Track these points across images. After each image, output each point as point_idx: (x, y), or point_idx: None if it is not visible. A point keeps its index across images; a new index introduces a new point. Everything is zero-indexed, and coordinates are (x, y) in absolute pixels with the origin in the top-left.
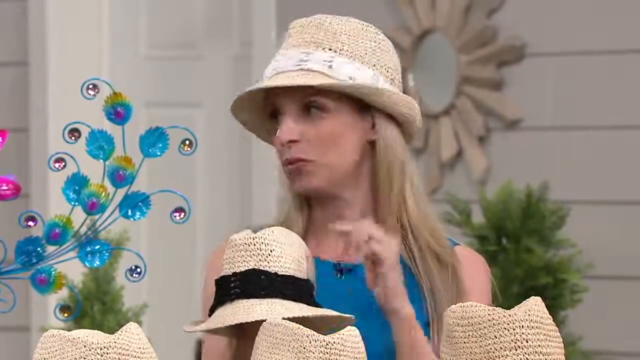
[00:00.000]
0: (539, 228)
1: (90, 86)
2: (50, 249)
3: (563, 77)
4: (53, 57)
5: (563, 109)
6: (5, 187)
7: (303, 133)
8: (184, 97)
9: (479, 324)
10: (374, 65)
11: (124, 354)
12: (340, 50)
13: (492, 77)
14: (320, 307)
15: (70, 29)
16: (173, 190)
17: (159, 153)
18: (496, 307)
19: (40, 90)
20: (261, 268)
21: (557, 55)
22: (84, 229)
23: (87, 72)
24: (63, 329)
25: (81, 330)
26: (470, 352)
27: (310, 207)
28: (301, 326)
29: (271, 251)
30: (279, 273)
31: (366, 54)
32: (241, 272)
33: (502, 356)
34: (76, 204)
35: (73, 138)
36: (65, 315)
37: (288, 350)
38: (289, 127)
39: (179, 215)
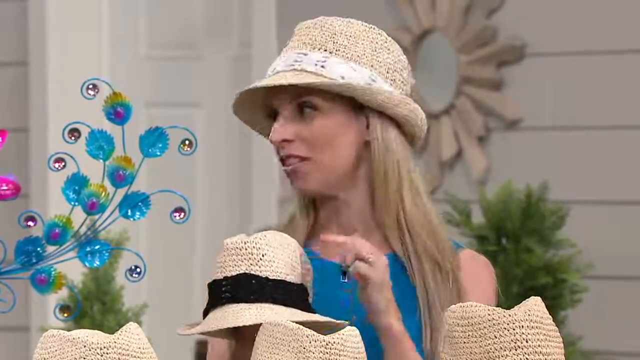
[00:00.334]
0: (538, 228)
1: (90, 86)
2: (50, 249)
3: (563, 77)
4: (53, 57)
5: (563, 109)
6: (5, 187)
7: (297, 133)
8: (183, 97)
9: (479, 324)
10: (372, 65)
11: (124, 354)
12: (336, 51)
13: (492, 77)
14: (314, 311)
15: (70, 29)
16: (173, 190)
17: (158, 153)
18: (496, 307)
19: (40, 90)
20: (252, 272)
21: (557, 55)
22: (83, 229)
23: (87, 72)
24: (63, 329)
25: (81, 330)
26: (470, 352)
27: (315, 208)
28: (301, 326)
29: (263, 255)
30: (270, 277)
31: (364, 54)
32: (232, 277)
33: (502, 356)
34: (76, 204)
35: (73, 138)
36: (65, 315)
37: (288, 350)
38: (282, 126)
39: (179, 215)
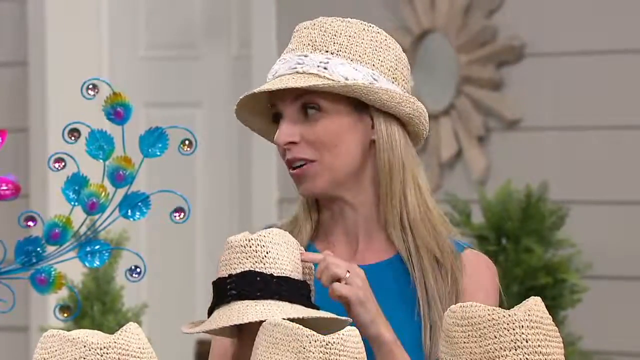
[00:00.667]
0: (538, 228)
1: (90, 86)
2: (50, 249)
3: (562, 77)
4: (52, 57)
5: (562, 109)
6: (5, 187)
7: (302, 134)
8: (183, 97)
9: (479, 324)
10: (374, 65)
11: (123, 354)
12: (337, 51)
13: (491, 77)
14: (318, 308)
15: (69, 29)
16: (173, 190)
17: (158, 153)
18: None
19: (40, 90)
20: (257, 270)
21: (556, 55)
22: (83, 229)
23: (87, 72)
24: (63, 329)
25: (81, 330)
26: (470, 352)
27: (319, 210)
28: (301, 326)
29: (267, 252)
30: (275, 274)
31: (365, 54)
32: (237, 274)
33: (502, 356)
34: (76, 204)
35: (73, 138)
36: (65, 315)
37: (288, 350)
38: (287, 128)
39: (179, 215)
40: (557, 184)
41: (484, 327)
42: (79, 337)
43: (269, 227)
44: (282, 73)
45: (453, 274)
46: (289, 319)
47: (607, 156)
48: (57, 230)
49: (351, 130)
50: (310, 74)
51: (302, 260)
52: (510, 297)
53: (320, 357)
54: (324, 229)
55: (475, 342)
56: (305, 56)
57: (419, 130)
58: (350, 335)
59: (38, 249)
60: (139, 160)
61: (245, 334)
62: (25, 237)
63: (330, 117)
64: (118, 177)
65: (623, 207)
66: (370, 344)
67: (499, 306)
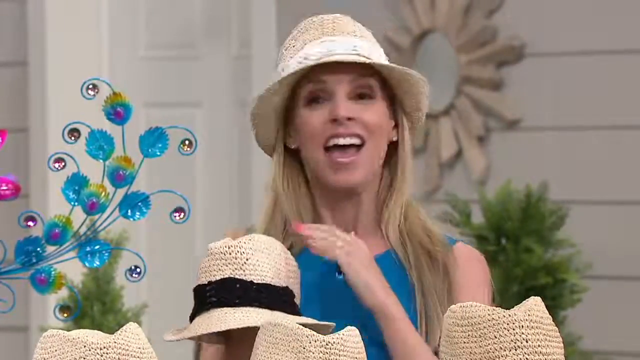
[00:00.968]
0: (538, 228)
1: (90, 86)
2: (50, 249)
3: (562, 77)
4: (52, 57)
5: (562, 109)
6: (5, 187)
7: (358, 114)
8: (183, 97)
9: (479, 324)
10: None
11: (123, 354)
12: (376, 47)
13: (491, 77)
14: (300, 314)
15: (69, 29)
16: (173, 190)
17: (158, 153)
18: (496, 307)
19: (40, 90)
20: (236, 277)
21: (556, 55)
22: (83, 229)
23: (87, 72)
24: (63, 329)
25: (81, 330)
26: (470, 352)
27: (315, 205)
28: (301, 326)
29: (247, 260)
30: (255, 281)
31: (381, 53)
32: (217, 281)
33: (502, 356)
34: (76, 204)
35: (73, 138)
36: (65, 315)
37: (288, 350)
38: (346, 104)
39: (179, 216)
40: (557, 184)
41: (484, 327)
42: (79, 337)
43: (249, 228)
44: (342, 52)
45: (445, 267)
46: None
47: (607, 156)
48: (57, 230)
49: (387, 124)
50: (368, 58)
51: (298, 233)
52: (510, 297)
53: (320, 357)
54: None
55: (475, 342)
56: (357, 42)
57: (412, 133)
58: (350, 335)
59: (38, 249)
60: (139, 160)
61: (233, 340)
62: (25, 237)
63: (380, 105)
64: (118, 177)
65: (623, 207)
66: (375, 316)
67: (493, 300)
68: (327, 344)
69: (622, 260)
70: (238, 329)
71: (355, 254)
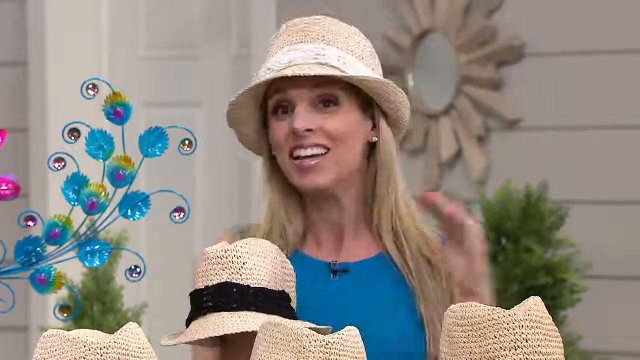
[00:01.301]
0: (538, 228)
1: (90, 86)
2: (50, 249)
3: (563, 77)
4: (52, 57)
5: (562, 109)
6: (5, 187)
7: (319, 125)
8: (183, 97)
9: (479, 324)
10: (373, 69)
11: (124, 354)
12: (350, 50)
13: (491, 77)
14: (296, 318)
15: (69, 29)
16: (173, 190)
17: (158, 153)
18: (496, 307)
19: (40, 90)
20: (233, 281)
21: (556, 55)
22: (83, 229)
23: (87, 72)
24: (63, 329)
25: (81, 330)
26: (470, 352)
27: (305, 208)
28: (301, 326)
29: (244, 264)
30: (252, 286)
31: (366, 56)
32: (214, 286)
33: (502, 356)
34: (76, 204)
35: (73, 138)
36: (65, 315)
37: (288, 350)
38: (306, 115)
39: (179, 215)
40: (557, 184)
41: (484, 327)
42: (79, 337)
43: (241, 227)
44: (301, 62)
45: (447, 272)
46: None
47: (607, 156)
48: (57, 230)
49: (359, 129)
50: (332, 66)
51: (450, 218)
52: (510, 297)
53: (320, 357)
54: (314, 227)
55: (475, 342)
56: (323, 49)
57: (399, 135)
58: (350, 335)
59: (38, 249)
60: (139, 160)
61: (229, 344)
62: (25, 237)
63: (346, 112)
64: (118, 177)
65: (623, 207)
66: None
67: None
68: (327, 344)
69: (622, 260)
70: (235, 333)
71: None
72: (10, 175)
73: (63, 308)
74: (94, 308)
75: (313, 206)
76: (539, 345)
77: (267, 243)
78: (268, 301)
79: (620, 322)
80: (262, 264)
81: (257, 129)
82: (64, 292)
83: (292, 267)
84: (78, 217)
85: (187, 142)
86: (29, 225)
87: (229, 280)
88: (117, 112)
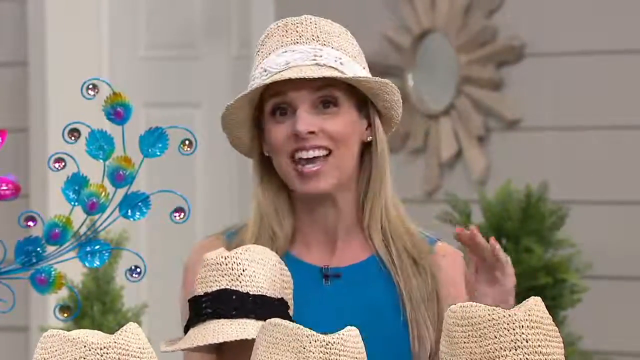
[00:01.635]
0: (538, 228)
1: (90, 86)
2: (50, 249)
3: (563, 77)
4: (52, 57)
5: (562, 109)
6: (5, 187)
7: (320, 126)
8: (183, 97)
9: (479, 324)
10: (364, 68)
11: (124, 354)
12: (344, 50)
13: (491, 77)
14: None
15: (69, 29)
16: (173, 190)
17: (158, 153)
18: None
19: (40, 90)
20: (233, 288)
21: (556, 55)
22: (83, 229)
23: (87, 72)
24: (63, 329)
25: (81, 330)
26: (470, 352)
27: (294, 210)
28: (301, 326)
29: (243, 271)
30: (251, 293)
31: (357, 55)
32: (213, 292)
33: (502, 356)
34: (76, 204)
35: (73, 138)
36: (65, 315)
37: (288, 350)
38: (307, 118)
39: (179, 216)
40: (557, 184)
41: (484, 327)
42: (79, 337)
43: (228, 228)
44: (299, 64)
45: (432, 273)
46: None
47: (607, 156)
48: (57, 230)
49: (356, 129)
50: (330, 67)
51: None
52: None
53: (320, 357)
54: (303, 231)
55: (475, 342)
56: (320, 49)
57: (389, 131)
58: (350, 335)
59: (38, 249)
60: (139, 160)
61: (225, 352)
62: (25, 237)
63: (345, 113)
64: (118, 177)
65: (623, 207)
66: None
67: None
68: (327, 344)
69: (622, 260)
70: (229, 342)
71: None
72: (10, 175)
73: (63, 308)
74: (94, 308)
75: (304, 208)
76: (539, 345)
77: (266, 250)
78: (267, 308)
79: (620, 322)
80: (261, 271)
81: (251, 131)
82: (64, 292)
83: (289, 274)
84: (78, 217)
85: (187, 142)
86: (29, 225)
87: (228, 287)
88: (117, 112)
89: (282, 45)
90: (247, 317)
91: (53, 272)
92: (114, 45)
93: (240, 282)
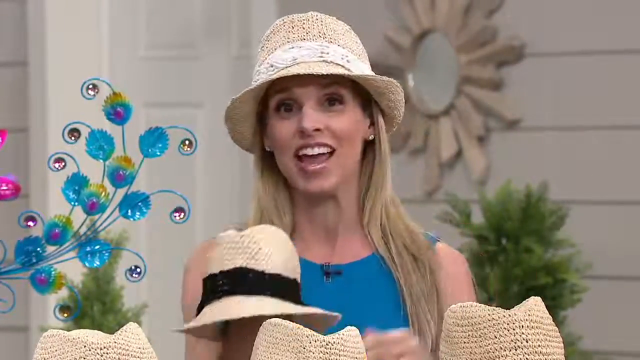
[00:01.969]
0: (538, 228)
1: (90, 86)
2: (50, 249)
3: (563, 77)
4: (52, 57)
5: (562, 109)
6: (5, 187)
7: (326, 124)
8: (183, 97)
9: (479, 324)
10: (368, 67)
11: (124, 354)
12: (350, 48)
13: (491, 77)
14: (308, 306)
15: (69, 29)
16: (173, 190)
17: (158, 153)
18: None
19: (40, 90)
20: (249, 266)
21: (556, 55)
22: (83, 229)
23: (87, 72)
24: (63, 329)
25: (81, 330)
26: (470, 352)
27: (295, 207)
28: (301, 326)
29: (259, 249)
30: (267, 271)
31: (361, 53)
32: (229, 270)
33: (502, 356)
34: (76, 204)
35: (73, 138)
36: (65, 315)
37: (288, 350)
38: (313, 115)
39: (179, 215)
40: (557, 184)
41: (484, 327)
42: (79, 337)
43: (226, 228)
44: (307, 60)
45: (431, 269)
46: (285, 316)
47: (607, 156)
48: (57, 230)
49: (360, 127)
50: (337, 64)
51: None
52: (510, 297)
53: (320, 357)
54: (302, 228)
55: (475, 342)
56: (327, 47)
57: (390, 130)
58: (350, 335)
59: (38, 249)
60: (139, 160)
61: (232, 337)
62: (25, 237)
63: (350, 111)
64: (118, 177)
65: (623, 207)
66: None
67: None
68: (327, 344)
69: (622, 260)
70: (238, 323)
71: None
72: (10, 175)
73: (63, 308)
74: (94, 308)
75: (304, 205)
76: (539, 345)
77: (280, 231)
78: (283, 287)
79: (620, 322)
80: (275, 250)
81: (254, 125)
82: (64, 292)
83: (298, 257)
84: (78, 217)
85: (187, 142)
86: (29, 225)
87: (245, 265)
88: (117, 112)
89: (288, 41)
90: (264, 294)
91: (53, 272)
92: (114, 45)
93: (256, 260)
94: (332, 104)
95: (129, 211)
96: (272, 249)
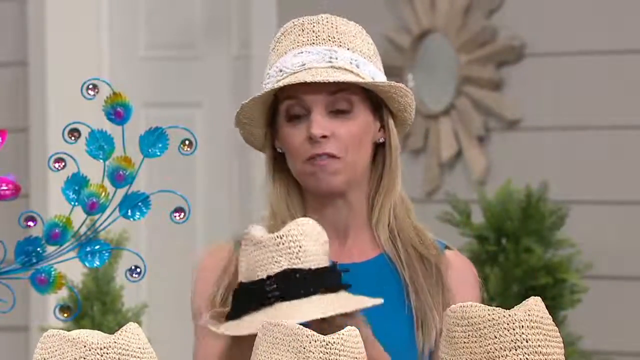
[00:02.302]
0: (538, 228)
1: (90, 86)
2: (50, 249)
3: (563, 77)
4: (52, 57)
5: (562, 109)
6: (5, 187)
7: (333, 130)
8: (183, 97)
9: (479, 324)
10: (379, 69)
11: (124, 354)
12: (360, 51)
13: (491, 77)
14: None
15: (69, 29)
16: (173, 190)
17: (158, 153)
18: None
19: (40, 90)
20: (294, 267)
21: (556, 55)
22: (83, 229)
23: (87, 72)
24: (63, 329)
25: (81, 330)
26: (470, 352)
27: (306, 207)
28: (301, 326)
29: (300, 247)
30: (313, 268)
31: (372, 55)
32: (275, 274)
33: (502, 356)
34: (76, 204)
35: (73, 138)
36: (65, 315)
37: (288, 350)
38: (322, 121)
39: (179, 215)
40: (557, 184)
41: (484, 327)
42: (79, 337)
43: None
44: (315, 65)
45: (437, 267)
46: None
47: (607, 156)
48: (57, 230)
49: (369, 131)
50: (345, 69)
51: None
52: (510, 297)
53: (320, 357)
54: None
55: (476, 342)
56: (336, 51)
57: (401, 132)
58: (350, 335)
59: (38, 249)
60: (139, 160)
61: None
62: (25, 237)
63: (359, 116)
64: (118, 177)
65: (623, 207)
66: None
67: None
68: (327, 344)
69: (622, 260)
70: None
71: None
72: (10, 175)
73: (63, 308)
74: (94, 308)
75: (315, 205)
76: (539, 345)
77: (313, 222)
78: (330, 279)
79: (620, 322)
80: (315, 243)
81: (264, 128)
82: (64, 292)
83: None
84: (78, 217)
85: (187, 142)
86: (29, 225)
87: (290, 267)
88: (117, 112)
89: (297, 45)
90: (315, 293)
91: (53, 272)
92: (114, 45)
93: (300, 259)
94: (341, 109)
95: (129, 211)
96: (313, 244)
